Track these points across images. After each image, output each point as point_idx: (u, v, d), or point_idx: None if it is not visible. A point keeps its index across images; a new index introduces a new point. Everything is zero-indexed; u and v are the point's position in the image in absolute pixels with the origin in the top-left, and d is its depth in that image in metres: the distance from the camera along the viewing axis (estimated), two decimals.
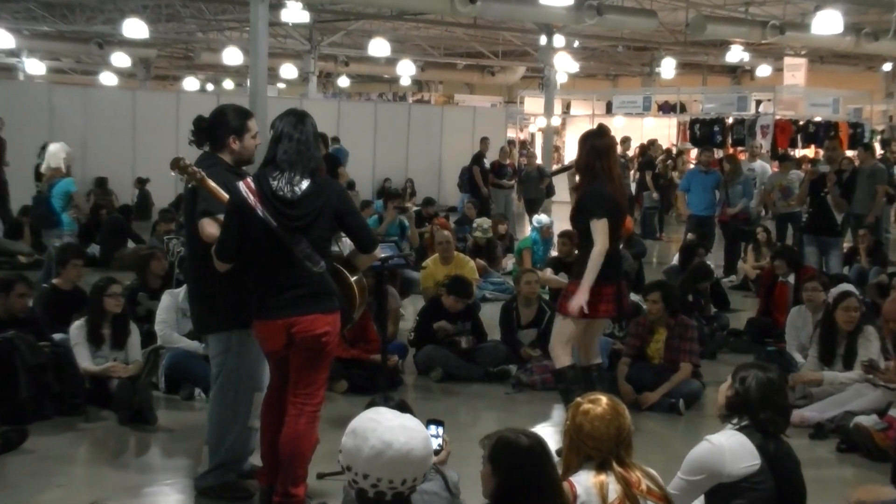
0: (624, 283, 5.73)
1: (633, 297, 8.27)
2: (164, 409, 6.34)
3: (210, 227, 4.47)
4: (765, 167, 14.53)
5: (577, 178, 5.68)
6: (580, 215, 5.50)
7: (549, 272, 8.91)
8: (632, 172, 19.00)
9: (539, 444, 3.09)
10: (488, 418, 6.61)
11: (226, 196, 4.40)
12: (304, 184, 4.29)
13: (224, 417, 4.76)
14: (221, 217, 4.39)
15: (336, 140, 17.96)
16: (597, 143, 5.51)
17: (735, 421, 3.61)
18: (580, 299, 5.36)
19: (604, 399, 3.29)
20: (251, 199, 4.26)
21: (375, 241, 4.70)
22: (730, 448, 3.50)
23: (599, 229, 5.36)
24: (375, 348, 6.84)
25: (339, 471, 4.78)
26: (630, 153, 20.11)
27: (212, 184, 4.42)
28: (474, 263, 9.80)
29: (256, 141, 4.77)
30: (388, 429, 2.59)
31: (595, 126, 5.86)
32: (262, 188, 4.27)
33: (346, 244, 4.86)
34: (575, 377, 5.56)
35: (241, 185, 4.32)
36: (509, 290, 10.06)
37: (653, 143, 20.36)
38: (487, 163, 16.74)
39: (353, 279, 4.58)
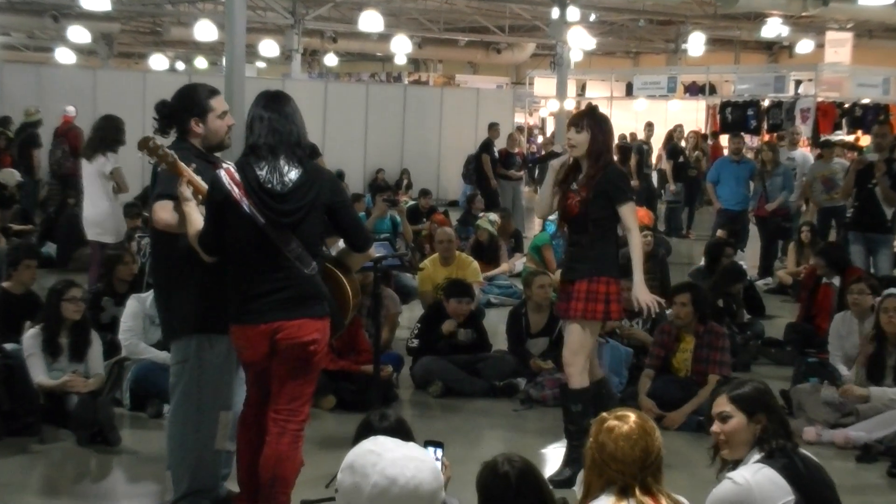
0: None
1: None
2: (128, 429, 6.34)
3: (163, 212, 4.46)
4: (806, 156, 14.53)
5: (587, 163, 5.42)
6: (600, 201, 5.35)
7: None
8: (654, 161, 18.98)
9: (521, 473, 3.30)
10: (494, 438, 6.62)
11: (202, 184, 4.40)
12: (294, 173, 4.28)
13: (184, 438, 4.74)
14: (174, 201, 4.40)
15: None
16: (608, 126, 5.54)
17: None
18: (645, 296, 5.32)
19: (632, 416, 3.25)
20: (236, 192, 4.24)
21: (370, 239, 4.70)
22: (758, 486, 3.50)
23: (630, 212, 5.40)
24: (366, 359, 6.84)
25: (326, 498, 4.81)
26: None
27: (186, 169, 4.41)
28: (478, 265, 9.79)
29: (226, 121, 4.73)
30: (391, 461, 2.50)
31: (595, 108, 5.81)
32: (247, 179, 4.26)
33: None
34: (589, 400, 5.48)
35: (224, 175, 4.29)
36: (517, 295, 10.06)
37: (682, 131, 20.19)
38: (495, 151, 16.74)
39: (346, 281, 4.57)
